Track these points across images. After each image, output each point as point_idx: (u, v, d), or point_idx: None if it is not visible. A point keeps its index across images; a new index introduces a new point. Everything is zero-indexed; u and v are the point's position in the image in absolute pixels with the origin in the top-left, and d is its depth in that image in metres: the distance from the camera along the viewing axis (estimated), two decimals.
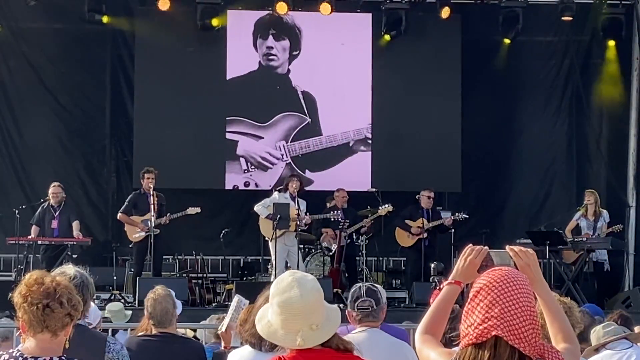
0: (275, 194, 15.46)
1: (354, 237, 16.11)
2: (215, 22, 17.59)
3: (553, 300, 3.61)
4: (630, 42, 18.11)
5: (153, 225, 14.81)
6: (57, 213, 15.30)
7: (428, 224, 15.94)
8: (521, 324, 3.13)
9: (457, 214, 16.12)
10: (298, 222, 15.08)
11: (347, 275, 15.82)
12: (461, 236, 16.34)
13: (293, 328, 3.51)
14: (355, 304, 5.85)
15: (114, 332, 8.84)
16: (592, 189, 16.59)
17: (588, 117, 18.74)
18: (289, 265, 14.94)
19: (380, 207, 15.79)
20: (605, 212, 16.01)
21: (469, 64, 18.26)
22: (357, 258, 16.22)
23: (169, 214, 15.07)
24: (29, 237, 15.14)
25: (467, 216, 16.05)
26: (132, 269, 15.48)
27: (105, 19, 17.46)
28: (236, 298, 6.51)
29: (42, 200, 15.67)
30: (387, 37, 18.06)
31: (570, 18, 17.89)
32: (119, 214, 15.44)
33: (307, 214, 15.46)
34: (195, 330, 9.27)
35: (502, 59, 18.56)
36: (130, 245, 15.46)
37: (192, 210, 15.17)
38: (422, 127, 18.19)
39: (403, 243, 16.34)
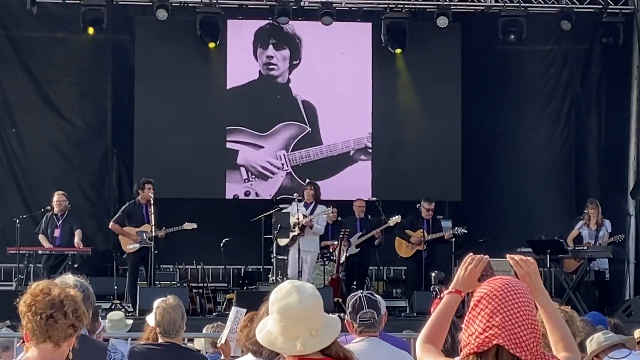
0: (294, 204, 15.53)
1: (374, 243, 16.09)
2: (211, 45, 17.61)
3: (554, 309, 3.61)
4: (630, 51, 18.12)
5: (152, 235, 14.80)
6: (60, 222, 15.34)
7: (427, 236, 15.95)
8: (522, 333, 3.14)
9: (456, 228, 16.14)
10: (310, 225, 15.34)
11: (355, 284, 15.76)
12: (461, 245, 16.34)
13: (293, 334, 3.51)
14: (357, 316, 5.82)
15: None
16: (593, 197, 16.61)
17: (588, 125, 18.75)
18: (300, 271, 15.08)
19: (390, 219, 15.82)
20: (607, 222, 16.03)
21: (468, 73, 18.28)
22: (369, 267, 16.26)
23: (164, 227, 15.06)
24: (43, 246, 15.24)
25: (466, 231, 16.05)
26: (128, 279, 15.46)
27: (91, 31, 17.30)
28: (234, 310, 6.51)
29: (42, 209, 15.69)
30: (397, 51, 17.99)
31: (570, 27, 17.89)
32: (111, 224, 15.32)
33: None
34: (192, 340, 9.27)
35: (502, 67, 18.59)
36: (125, 256, 15.42)
37: (189, 226, 15.18)
38: (422, 136, 18.20)
39: (402, 253, 16.35)
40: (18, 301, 3.71)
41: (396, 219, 15.81)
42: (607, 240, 15.87)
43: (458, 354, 3.29)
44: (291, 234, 15.27)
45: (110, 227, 15.49)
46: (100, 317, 6.52)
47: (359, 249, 16.06)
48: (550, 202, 18.74)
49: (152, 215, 14.80)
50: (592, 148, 18.82)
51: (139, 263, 15.03)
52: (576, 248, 15.61)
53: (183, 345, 6.84)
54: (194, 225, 15.21)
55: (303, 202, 15.60)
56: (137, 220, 15.01)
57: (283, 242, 15.54)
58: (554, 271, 15.58)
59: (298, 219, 15.19)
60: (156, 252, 14.97)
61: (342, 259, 15.87)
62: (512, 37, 17.68)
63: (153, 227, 14.78)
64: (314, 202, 15.63)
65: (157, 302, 6.58)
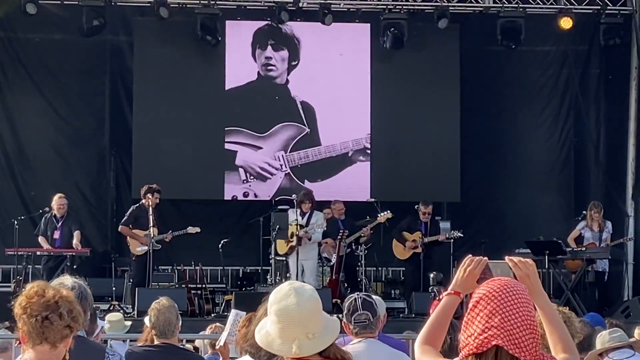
0: (292, 211, 15.57)
1: (353, 247, 16.10)
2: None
3: (553, 310, 3.61)
4: (628, 52, 18.12)
5: (155, 239, 14.85)
6: (59, 224, 15.37)
7: (424, 239, 15.93)
8: (521, 334, 3.13)
9: (452, 231, 16.14)
10: (303, 235, 15.36)
11: (346, 285, 15.83)
12: (460, 246, 16.34)
13: (290, 337, 3.51)
14: (352, 317, 5.82)
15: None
16: (592, 199, 16.65)
17: (586, 126, 18.74)
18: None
19: (379, 214, 15.79)
20: (609, 223, 16.11)
21: (467, 74, 18.28)
22: (357, 268, 16.23)
23: (171, 231, 15.14)
24: (42, 247, 15.26)
25: (461, 235, 16.06)
26: (131, 280, 15.46)
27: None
28: (233, 312, 6.51)
29: (41, 210, 15.69)
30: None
31: (569, 27, 17.88)
32: (121, 226, 15.42)
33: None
34: (193, 341, 9.27)
35: (501, 68, 18.59)
36: (134, 258, 15.42)
37: (193, 230, 15.32)
38: (421, 137, 18.19)
39: (399, 255, 16.34)
40: (13, 304, 3.71)
41: (386, 214, 15.75)
42: (610, 242, 15.94)
43: (457, 355, 3.28)
44: (289, 244, 15.32)
45: (119, 229, 15.54)
46: (98, 319, 6.51)
47: (348, 250, 16.04)
48: (549, 203, 18.74)
49: (151, 216, 14.87)
50: (590, 149, 18.81)
51: (145, 265, 15.06)
52: (574, 249, 15.62)
53: (180, 346, 6.85)
54: (198, 230, 15.34)
55: (299, 211, 15.57)
56: (143, 224, 15.06)
57: (282, 250, 15.56)
58: (553, 272, 15.57)
59: (297, 225, 15.23)
60: (154, 252, 15.00)
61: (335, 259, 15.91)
62: (512, 45, 17.73)
63: (154, 229, 14.84)
64: (310, 211, 15.67)
65: (151, 305, 6.60)
